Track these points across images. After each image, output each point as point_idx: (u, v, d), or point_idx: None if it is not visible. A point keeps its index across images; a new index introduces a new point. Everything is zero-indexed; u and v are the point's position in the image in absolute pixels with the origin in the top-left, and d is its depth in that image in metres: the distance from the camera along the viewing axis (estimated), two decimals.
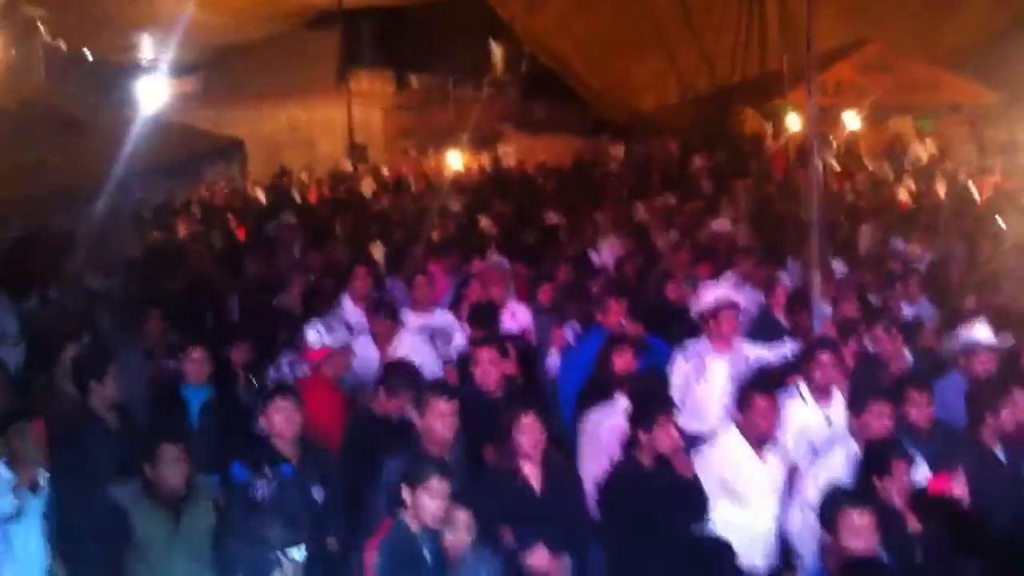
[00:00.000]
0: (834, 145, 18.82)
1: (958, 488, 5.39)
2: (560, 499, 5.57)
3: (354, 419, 6.54)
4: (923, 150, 20.19)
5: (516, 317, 8.52)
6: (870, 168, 18.29)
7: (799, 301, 8.29)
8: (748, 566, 5.60)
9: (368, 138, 24.26)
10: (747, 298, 9.05)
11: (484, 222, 13.28)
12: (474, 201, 15.68)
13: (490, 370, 6.52)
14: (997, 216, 12.66)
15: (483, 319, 7.84)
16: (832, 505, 4.84)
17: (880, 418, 5.78)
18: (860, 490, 5.07)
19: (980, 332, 7.14)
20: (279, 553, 5.42)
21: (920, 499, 4.98)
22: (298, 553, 5.47)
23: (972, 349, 7.01)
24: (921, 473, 5.50)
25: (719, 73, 23.69)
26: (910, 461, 5.28)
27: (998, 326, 7.66)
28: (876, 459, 5.27)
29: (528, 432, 5.52)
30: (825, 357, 6.53)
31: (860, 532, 4.67)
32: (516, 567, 5.21)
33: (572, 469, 6.15)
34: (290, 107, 25.28)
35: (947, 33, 22.50)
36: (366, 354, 7.37)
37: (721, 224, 12.47)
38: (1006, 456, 5.92)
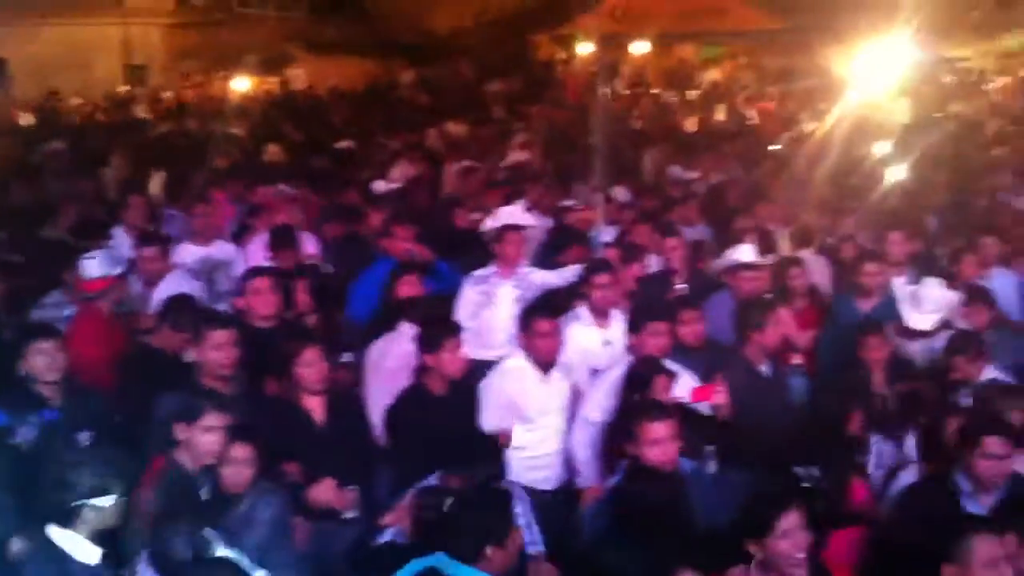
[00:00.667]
0: (622, 72, 19.21)
1: (719, 397, 5.68)
2: (344, 430, 5.50)
3: (127, 355, 6.26)
4: (707, 76, 20.87)
5: (306, 246, 8.33)
6: (656, 94, 18.78)
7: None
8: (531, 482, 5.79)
9: (147, 59, 23.03)
10: (537, 223, 9.22)
11: (272, 149, 12.91)
12: (261, 127, 15.20)
13: (267, 299, 6.33)
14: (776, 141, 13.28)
15: (283, 243, 7.63)
16: (631, 418, 4.97)
17: (656, 337, 5.99)
18: (618, 406, 5.26)
19: (746, 253, 7.47)
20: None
21: (683, 411, 5.17)
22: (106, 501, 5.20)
23: (739, 269, 7.33)
24: (687, 388, 5.75)
25: None
26: (670, 377, 5.50)
27: (766, 247, 8.08)
28: (638, 377, 5.46)
29: (310, 365, 5.42)
30: (602, 280, 6.69)
31: (659, 443, 4.75)
32: (301, 501, 5.14)
33: (357, 399, 6.10)
34: (61, 25, 23.60)
35: None
36: (136, 289, 7.05)
37: (515, 153, 12.57)
38: (771, 371, 6.24)
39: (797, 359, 6.93)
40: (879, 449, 5.78)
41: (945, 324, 6.81)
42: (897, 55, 13.35)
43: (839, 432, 5.36)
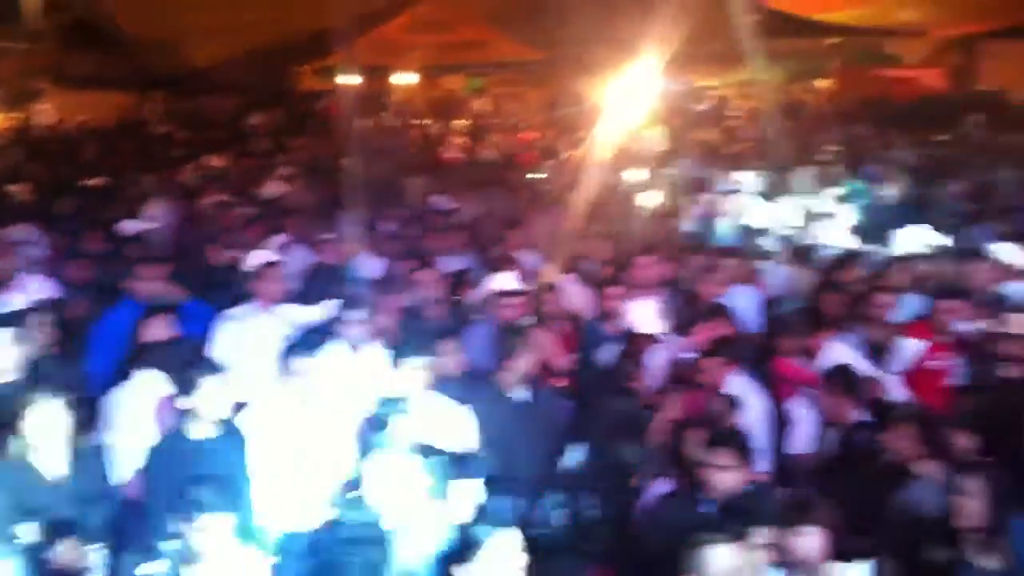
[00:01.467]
0: (388, 102, 19.27)
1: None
2: (84, 484, 5.19)
3: None
4: (474, 107, 21.23)
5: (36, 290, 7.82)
6: (423, 124, 18.94)
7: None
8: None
9: None
10: (298, 258, 9.08)
11: (15, 188, 12.17)
12: (2, 166, 14.30)
13: None
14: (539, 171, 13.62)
15: None
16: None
17: (416, 370, 5.98)
18: (368, 444, 5.22)
19: (504, 281, 7.60)
20: None
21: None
22: None
23: (498, 296, 7.45)
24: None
25: (280, 27, 23.30)
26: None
27: (526, 274, 8.25)
28: (378, 419, 5.45)
29: (43, 417, 5.09)
30: (357, 315, 6.64)
31: None
32: (40, 562, 4.81)
33: (98, 450, 5.78)
34: None
35: None
36: None
37: (274, 186, 12.35)
38: (526, 397, 6.32)
39: (558, 383, 7.11)
40: None
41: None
42: (650, 85, 14.00)
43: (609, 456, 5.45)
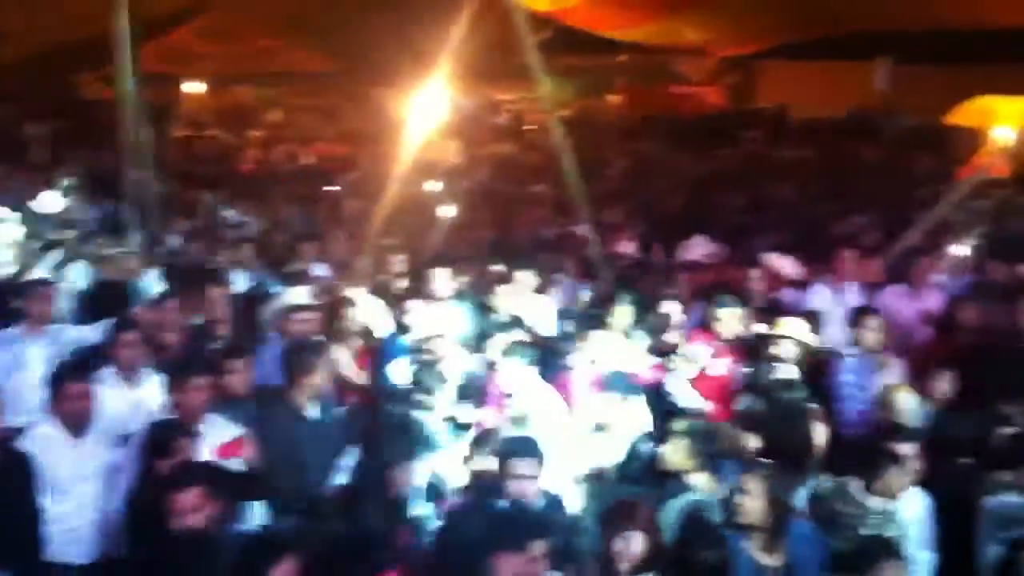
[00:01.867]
0: (177, 112, 18.61)
1: (246, 450, 5.57)
2: None
3: None
4: (268, 117, 20.77)
5: None
6: (214, 135, 18.38)
7: None
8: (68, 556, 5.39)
9: None
10: (79, 274, 8.62)
11: None
12: None
13: None
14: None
15: None
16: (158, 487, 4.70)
17: (197, 392, 5.76)
18: (142, 473, 5.01)
19: (296, 295, 7.45)
20: None
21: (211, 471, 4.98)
22: None
23: (290, 311, 7.29)
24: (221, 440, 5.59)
25: (59, 32, 22.06)
26: (192, 437, 5.31)
27: (319, 288, 8.10)
28: (156, 441, 5.23)
29: None
30: (129, 338, 6.35)
31: (189, 512, 4.62)
32: None
33: None
34: None
35: (290, 3, 23.19)
36: None
37: (52, 200, 11.64)
38: (320, 414, 6.21)
39: (355, 398, 7.02)
40: None
41: None
42: (447, 97, 14.04)
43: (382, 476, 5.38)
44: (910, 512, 5.48)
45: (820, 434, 6.27)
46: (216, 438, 5.65)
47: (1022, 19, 15.10)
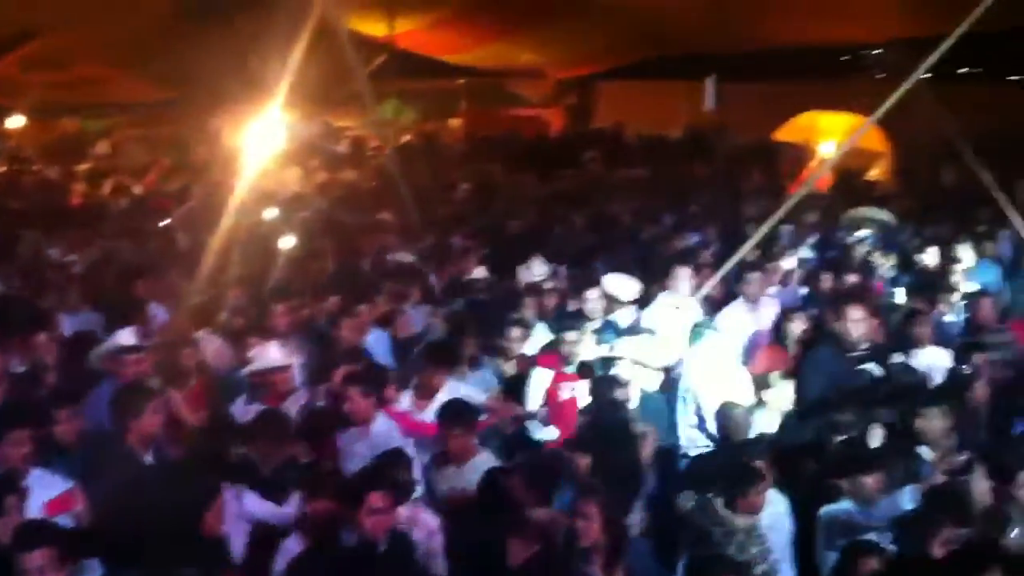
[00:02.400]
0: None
1: (76, 503, 5.29)
2: None
3: None
4: (95, 150, 19.97)
5: None
6: (38, 170, 17.56)
7: None
8: None
9: None
10: None
11: None
12: None
13: None
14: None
15: None
16: None
17: (19, 446, 5.43)
18: None
19: (126, 336, 7.14)
20: None
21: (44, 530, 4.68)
22: None
23: (120, 353, 6.98)
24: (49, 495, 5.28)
25: None
26: (22, 496, 5.01)
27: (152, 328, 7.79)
28: None
29: None
30: None
31: None
32: None
33: None
34: None
35: (119, 30, 22.35)
36: None
37: None
38: (155, 457, 5.94)
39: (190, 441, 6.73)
40: None
41: None
42: (285, 124, 13.77)
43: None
44: (773, 523, 5.60)
45: (648, 454, 6.37)
46: (44, 493, 5.32)
47: (841, 37, 15.89)
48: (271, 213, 12.80)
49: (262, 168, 13.73)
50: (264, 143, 12.94)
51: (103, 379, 7.01)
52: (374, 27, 15.72)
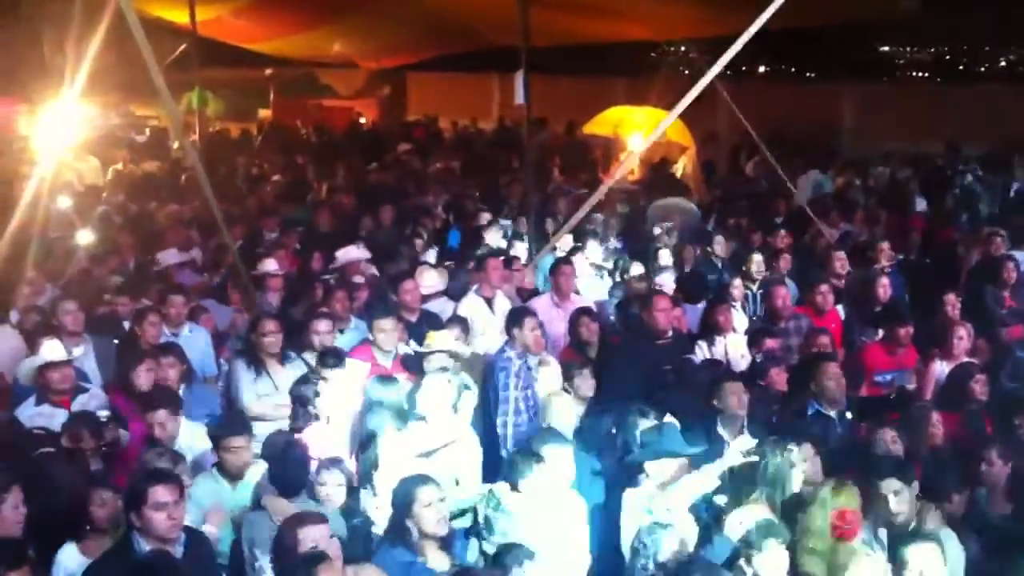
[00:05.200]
0: None
1: None
2: None
3: None
4: None
5: None
6: None
7: None
8: None
9: None
10: None
11: None
12: None
13: None
14: None
15: None
16: None
17: None
18: None
19: None
20: None
21: None
22: None
23: None
24: None
25: None
26: None
27: None
28: None
29: None
30: None
31: None
32: None
33: None
34: None
35: None
36: None
37: None
38: None
39: None
40: None
41: None
42: (83, 114, 13.11)
43: None
44: (567, 514, 5.64)
45: None
46: None
47: (646, 34, 16.35)
48: (66, 205, 12.18)
49: (58, 159, 13.07)
50: (61, 133, 12.31)
51: None
52: (176, 14, 15.14)
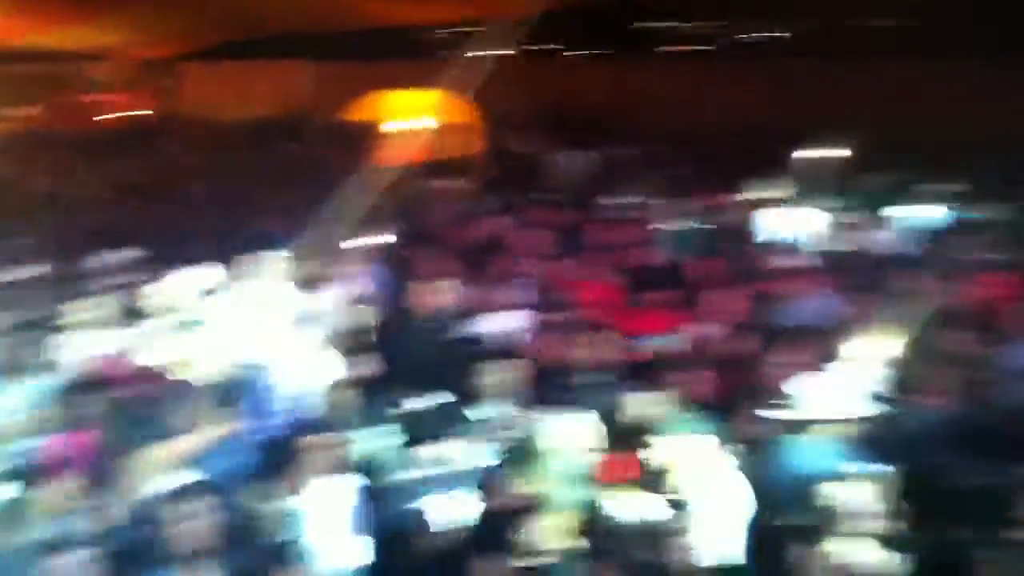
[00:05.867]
0: None
1: None
2: None
3: None
4: None
5: None
6: None
7: None
8: None
9: None
10: None
11: None
12: None
13: None
14: None
15: None
16: None
17: None
18: None
19: None
20: None
21: None
22: None
23: None
24: None
25: None
26: None
27: None
28: None
29: None
30: None
31: None
32: None
33: None
34: None
35: None
36: None
37: None
38: None
39: None
40: None
41: None
42: None
43: None
44: (328, 500, 5.52)
45: None
46: None
47: (413, 18, 16.31)
48: None
49: None
50: None
51: None
52: None
